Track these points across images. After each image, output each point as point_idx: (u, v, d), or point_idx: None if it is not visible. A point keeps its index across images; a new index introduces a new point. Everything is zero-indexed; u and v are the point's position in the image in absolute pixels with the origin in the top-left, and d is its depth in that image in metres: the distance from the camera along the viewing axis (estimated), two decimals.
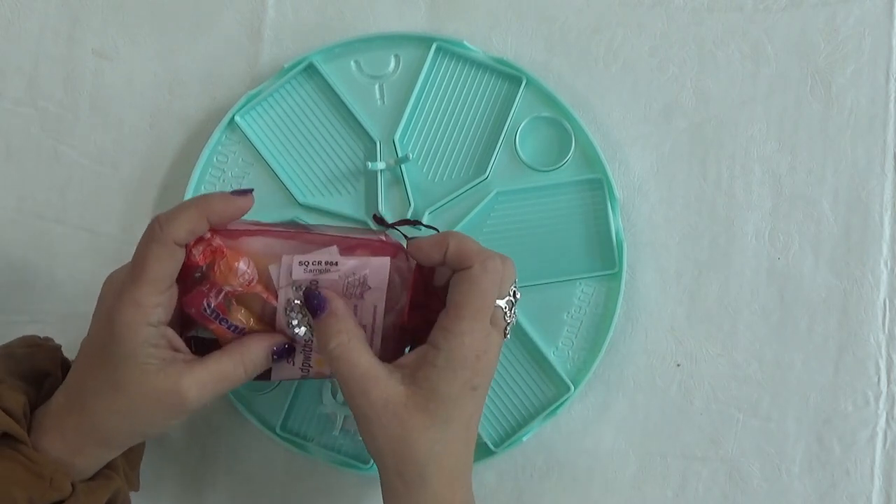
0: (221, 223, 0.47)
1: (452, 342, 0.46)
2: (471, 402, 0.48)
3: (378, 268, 0.48)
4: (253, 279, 0.47)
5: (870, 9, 0.64)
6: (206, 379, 0.47)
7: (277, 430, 0.60)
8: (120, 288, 0.46)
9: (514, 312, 0.50)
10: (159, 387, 0.46)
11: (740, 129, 0.64)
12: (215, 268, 0.47)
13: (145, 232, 0.46)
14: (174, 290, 0.47)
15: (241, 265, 0.47)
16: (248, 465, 0.62)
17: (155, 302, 0.45)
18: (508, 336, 0.49)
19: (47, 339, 0.54)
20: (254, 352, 0.48)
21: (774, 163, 0.63)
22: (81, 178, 0.64)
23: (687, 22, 0.64)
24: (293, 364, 0.50)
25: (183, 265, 0.47)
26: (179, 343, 0.48)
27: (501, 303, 0.48)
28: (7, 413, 0.46)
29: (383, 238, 0.49)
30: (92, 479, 0.49)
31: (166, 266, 0.45)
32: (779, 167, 0.63)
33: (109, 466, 0.50)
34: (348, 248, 0.48)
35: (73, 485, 0.47)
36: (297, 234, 0.48)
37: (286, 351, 0.49)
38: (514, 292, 0.49)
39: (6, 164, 0.64)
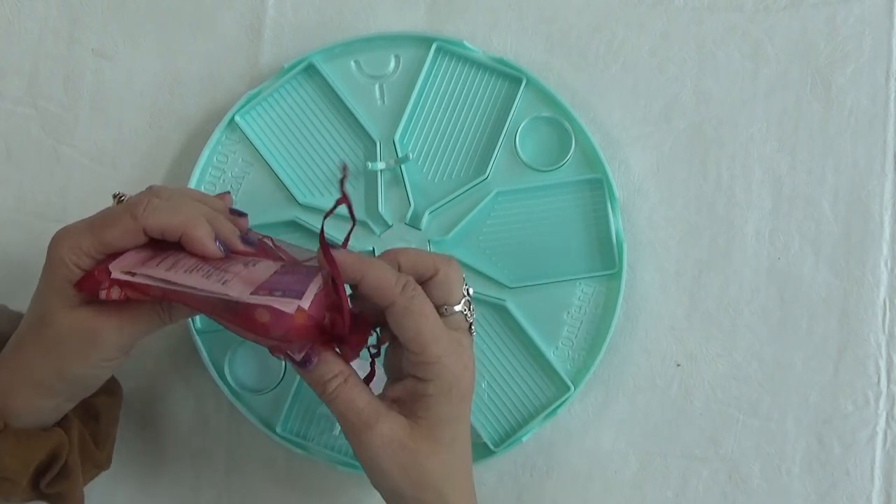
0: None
1: (435, 369, 0.46)
2: (467, 412, 0.49)
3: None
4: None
5: (870, 9, 0.64)
6: (121, 314, 0.47)
7: (277, 430, 0.60)
8: (71, 226, 0.47)
9: (473, 308, 0.49)
10: (78, 318, 0.47)
11: (740, 129, 0.64)
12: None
13: (130, 202, 0.47)
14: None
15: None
16: (248, 465, 0.62)
17: (93, 253, 0.46)
18: (474, 332, 0.50)
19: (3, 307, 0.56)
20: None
21: (774, 163, 0.63)
22: (81, 178, 0.64)
23: (687, 22, 0.64)
24: None
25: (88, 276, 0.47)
26: None
27: (458, 307, 0.48)
28: None
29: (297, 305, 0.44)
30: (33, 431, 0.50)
31: (123, 238, 0.46)
32: (779, 167, 0.63)
33: (62, 427, 0.51)
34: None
35: (5, 425, 0.48)
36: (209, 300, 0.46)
37: None
38: (468, 291, 0.49)
39: (6, 164, 0.64)
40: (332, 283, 0.45)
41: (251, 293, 0.44)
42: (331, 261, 0.45)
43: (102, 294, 0.46)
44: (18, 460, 0.48)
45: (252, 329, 0.44)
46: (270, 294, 0.44)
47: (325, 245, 0.46)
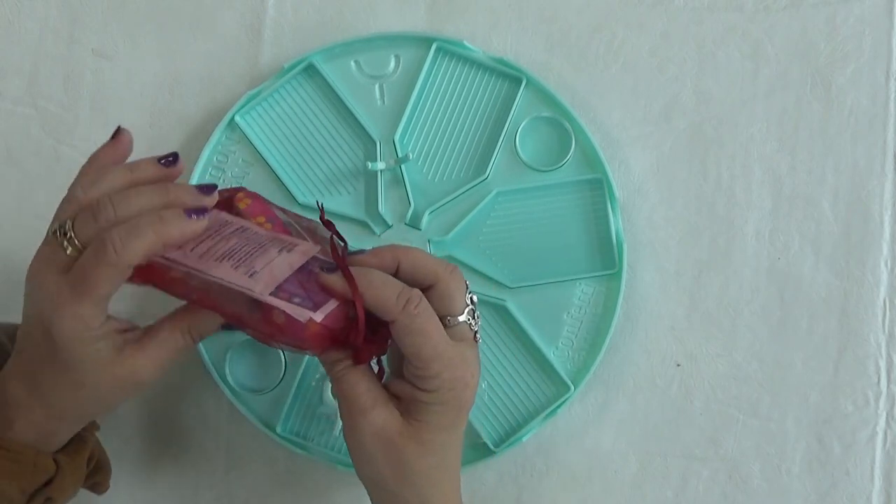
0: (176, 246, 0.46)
1: (434, 383, 0.46)
2: (464, 422, 0.49)
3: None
4: None
5: (870, 9, 0.64)
6: (158, 355, 0.47)
7: (277, 430, 0.60)
8: (57, 297, 0.45)
9: (478, 315, 0.49)
10: (117, 374, 0.46)
11: (740, 128, 0.64)
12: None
13: (97, 249, 0.44)
14: None
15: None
16: (248, 465, 0.62)
17: (98, 315, 0.45)
18: (479, 340, 0.49)
19: None
20: (202, 320, 0.48)
21: (774, 163, 0.63)
22: None
23: (687, 22, 0.64)
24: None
25: None
26: (124, 323, 0.48)
27: (462, 318, 0.48)
28: None
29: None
30: (68, 445, 0.50)
31: (114, 286, 0.45)
32: (779, 167, 0.63)
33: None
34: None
35: (55, 461, 0.48)
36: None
37: None
38: (471, 298, 0.49)
39: (6, 164, 0.64)
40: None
41: (271, 293, 0.44)
42: (351, 281, 0.45)
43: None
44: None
45: (268, 328, 0.45)
46: (290, 299, 0.44)
47: (343, 262, 0.46)
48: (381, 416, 0.47)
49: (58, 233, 0.45)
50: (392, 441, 0.47)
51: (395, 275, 0.47)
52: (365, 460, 0.47)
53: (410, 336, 0.45)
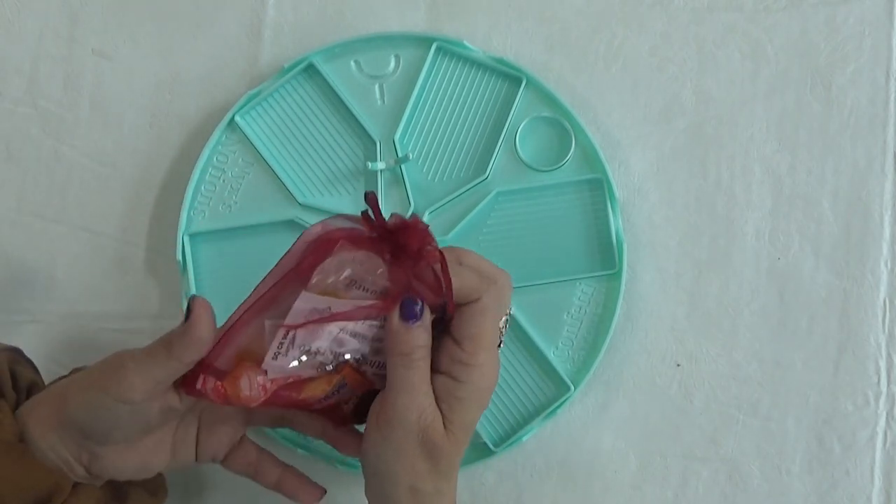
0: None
1: (474, 374, 0.47)
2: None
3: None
4: (259, 386, 0.47)
5: (870, 9, 0.64)
6: (146, 369, 0.45)
7: (278, 430, 0.60)
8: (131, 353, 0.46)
9: (509, 324, 0.50)
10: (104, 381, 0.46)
11: (740, 129, 0.64)
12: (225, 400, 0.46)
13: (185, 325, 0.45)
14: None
15: (244, 388, 0.46)
16: None
17: (147, 385, 0.45)
18: (502, 347, 0.50)
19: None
20: (189, 338, 0.46)
21: (774, 163, 0.63)
22: (81, 178, 0.64)
23: (687, 22, 0.64)
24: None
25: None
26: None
27: (500, 323, 0.49)
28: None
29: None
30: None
31: (191, 353, 0.45)
32: (779, 167, 0.63)
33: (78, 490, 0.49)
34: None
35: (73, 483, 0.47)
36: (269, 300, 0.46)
37: None
38: (510, 308, 0.50)
39: (6, 164, 0.64)
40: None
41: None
42: (448, 282, 0.46)
43: (199, 384, 0.45)
44: (9, 484, 0.46)
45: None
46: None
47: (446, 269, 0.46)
48: (431, 412, 0.47)
49: None
50: (434, 438, 0.47)
51: None
52: (392, 448, 0.47)
53: (483, 318, 0.46)
